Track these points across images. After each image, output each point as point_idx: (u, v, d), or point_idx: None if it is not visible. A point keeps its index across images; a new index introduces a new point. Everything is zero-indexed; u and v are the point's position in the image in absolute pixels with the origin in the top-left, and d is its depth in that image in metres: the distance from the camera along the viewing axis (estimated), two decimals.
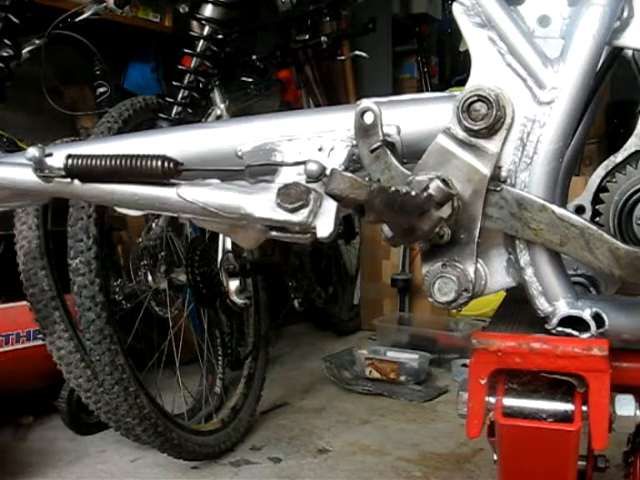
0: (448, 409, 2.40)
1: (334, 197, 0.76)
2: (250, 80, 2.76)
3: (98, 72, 2.73)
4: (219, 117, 2.23)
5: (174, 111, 2.03)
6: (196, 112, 2.12)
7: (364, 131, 0.86)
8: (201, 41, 2.10)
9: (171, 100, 2.04)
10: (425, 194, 0.82)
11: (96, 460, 2.06)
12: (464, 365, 2.62)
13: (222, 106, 2.24)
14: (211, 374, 2.36)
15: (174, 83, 2.07)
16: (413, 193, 0.80)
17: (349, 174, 0.74)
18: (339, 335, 3.42)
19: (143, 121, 1.98)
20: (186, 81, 2.05)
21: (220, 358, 2.37)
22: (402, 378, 2.65)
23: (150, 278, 2.10)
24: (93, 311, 1.75)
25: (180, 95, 2.04)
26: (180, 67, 2.11)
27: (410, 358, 2.70)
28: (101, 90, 2.75)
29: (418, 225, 0.83)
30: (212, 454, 2.05)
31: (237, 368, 2.33)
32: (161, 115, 2.02)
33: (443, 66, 5.07)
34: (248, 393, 2.30)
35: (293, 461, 2.05)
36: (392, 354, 2.77)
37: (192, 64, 2.09)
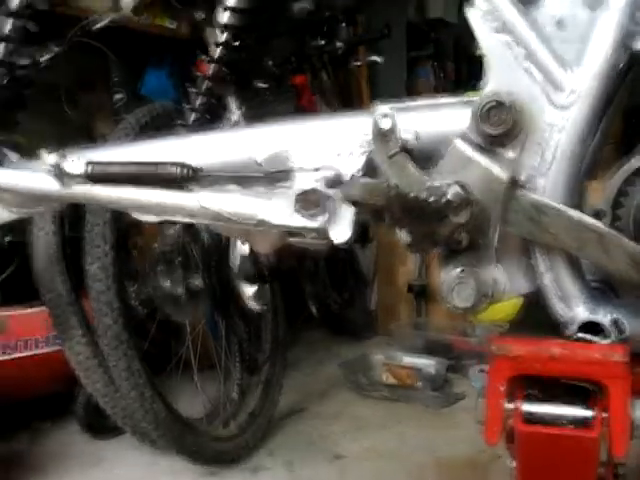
0: (466, 415, 2.38)
1: (353, 203, 0.76)
2: (265, 86, 2.76)
3: (115, 78, 2.75)
4: (235, 123, 2.23)
5: (191, 117, 2.03)
6: (213, 118, 2.13)
7: (382, 136, 0.86)
8: (217, 47, 2.10)
9: (188, 106, 2.05)
10: (443, 200, 0.82)
11: (112, 465, 2.06)
12: (481, 371, 2.60)
13: (238, 112, 2.24)
14: (228, 380, 2.36)
15: (191, 89, 2.08)
16: (431, 199, 0.80)
17: (368, 180, 0.74)
18: (355, 340, 3.41)
19: (160, 127, 1.99)
20: (203, 87, 2.06)
21: (237, 363, 2.37)
22: (419, 384, 2.64)
23: (167, 283, 2.10)
24: (110, 317, 1.76)
25: (197, 101, 2.05)
26: (197, 73, 2.12)
27: (427, 364, 2.69)
28: (118, 96, 2.76)
29: (436, 231, 0.82)
30: (230, 460, 2.05)
31: (254, 373, 2.32)
32: (179, 121, 2.02)
33: (459, 71, 5.05)
34: (265, 398, 2.30)
35: (310, 466, 2.05)
36: (408, 359, 2.76)
37: (209, 70, 2.09)
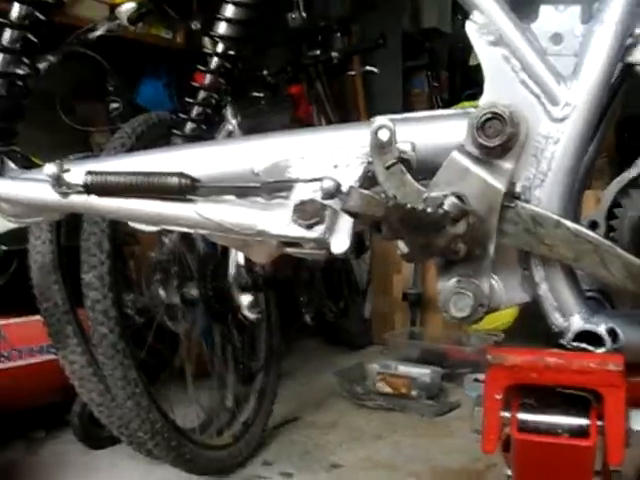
0: (461, 424, 2.39)
1: (351, 214, 0.77)
2: (261, 96, 2.77)
3: (111, 88, 2.76)
4: (231, 133, 2.24)
5: (188, 127, 2.04)
6: (209, 128, 2.13)
7: (379, 148, 0.87)
8: (214, 58, 2.11)
9: (184, 116, 2.05)
10: (441, 211, 0.83)
11: (107, 475, 2.06)
12: (476, 380, 2.61)
13: (234, 122, 2.25)
14: (223, 388, 2.36)
15: (187, 100, 2.08)
16: (429, 210, 0.81)
17: (366, 192, 0.75)
18: (350, 349, 3.42)
19: (156, 137, 1.99)
20: (199, 98, 2.07)
21: (232, 372, 2.37)
22: (414, 393, 2.64)
23: (162, 293, 2.10)
24: (106, 325, 1.76)
25: (193, 111, 2.06)
26: (193, 84, 2.13)
27: (422, 373, 2.69)
28: (114, 106, 2.77)
29: (434, 241, 0.83)
30: (224, 469, 2.05)
31: (249, 382, 2.33)
32: (175, 131, 2.03)
33: (453, 80, 5.09)
34: (260, 408, 2.30)
35: (305, 476, 2.05)
36: (403, 368, 2.76)
37: (205, 81, 2.10)
